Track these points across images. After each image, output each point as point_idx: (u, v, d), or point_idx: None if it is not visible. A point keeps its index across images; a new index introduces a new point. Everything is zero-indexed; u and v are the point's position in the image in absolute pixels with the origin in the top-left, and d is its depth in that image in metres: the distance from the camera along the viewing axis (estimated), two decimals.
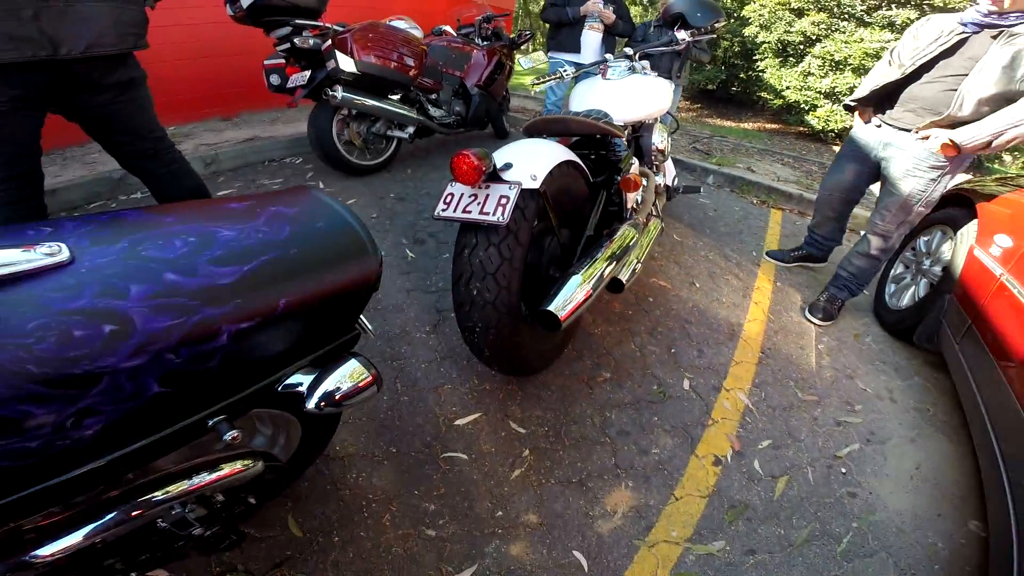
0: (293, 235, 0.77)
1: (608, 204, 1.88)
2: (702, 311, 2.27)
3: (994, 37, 1.68)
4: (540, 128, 1.77)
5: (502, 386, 1.71)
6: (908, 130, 1.92)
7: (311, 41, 2.69)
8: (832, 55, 5.75)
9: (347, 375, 0.83)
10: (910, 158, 1.92)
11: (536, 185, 1.34)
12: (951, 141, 1.74)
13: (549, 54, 3.83)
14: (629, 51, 2.37)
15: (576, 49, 3.74)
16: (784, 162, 4.83)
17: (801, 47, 6.15)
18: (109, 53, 1.54)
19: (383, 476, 1.37)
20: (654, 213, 2.14)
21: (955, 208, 2.14)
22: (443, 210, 1.34)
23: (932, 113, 1.84)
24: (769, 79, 6.54)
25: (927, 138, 1.83)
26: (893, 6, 5.60)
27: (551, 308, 1.31)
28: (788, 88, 6.17)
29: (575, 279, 1.39)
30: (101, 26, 1.50)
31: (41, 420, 0.55)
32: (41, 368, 0.54)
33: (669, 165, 2.68)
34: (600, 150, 1.86)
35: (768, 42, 6.44)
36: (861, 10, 5.84)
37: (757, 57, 6.81)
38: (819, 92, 5.84)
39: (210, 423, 0.73)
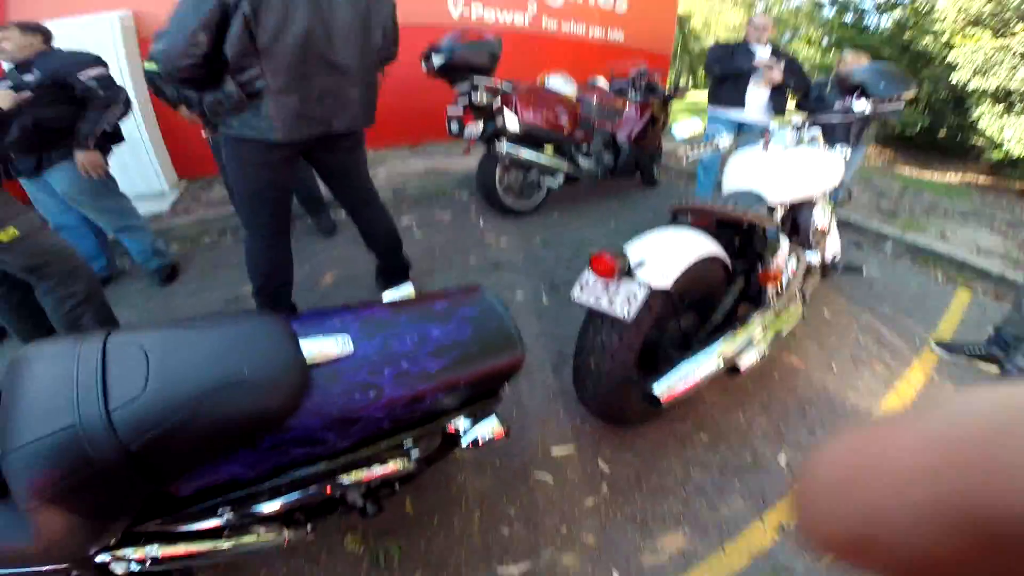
0: (473, 336, 1.10)
1: (745, 288, 1.84)
2: (830, 395, 2.08)
3: None
4: (686, 212, 1.78)
5: (600, 428, 1.84)
6: None
7: (485, 98, 3.16)
8: None
9: (489, 427, 1.16)
10: None
11: (666, 286, 1.42)
12: None
13: (709, 108, 3.74)
14: (798, 119, 2.23)
15: (740, 103, 3.52)
16: (993, 228, 4.00)
17: None
18: (358, 128, 2.00)
19: (483, 481, 1.64)
20: (799, 298, 2.02)
21: None
22: (578, 294, 1.51)
23: None
24: (986, 129, 5.51)
25: None
26: None
27: (656, 392, 1.42)
28: (1012, 140, 5.15)
29: (687, 366, 1.47)
30: (358, 107, 1.90)
31: (327, 438, 0.95)
32: (340, 413, 0.93)
33: (833, 239, 2.46)
34: (747, 234, 1.82)
35: (985, 89, 5.43)
36: None
37: (969, 104, 5.78)
38: None
39: (405, 445, 1.10)
